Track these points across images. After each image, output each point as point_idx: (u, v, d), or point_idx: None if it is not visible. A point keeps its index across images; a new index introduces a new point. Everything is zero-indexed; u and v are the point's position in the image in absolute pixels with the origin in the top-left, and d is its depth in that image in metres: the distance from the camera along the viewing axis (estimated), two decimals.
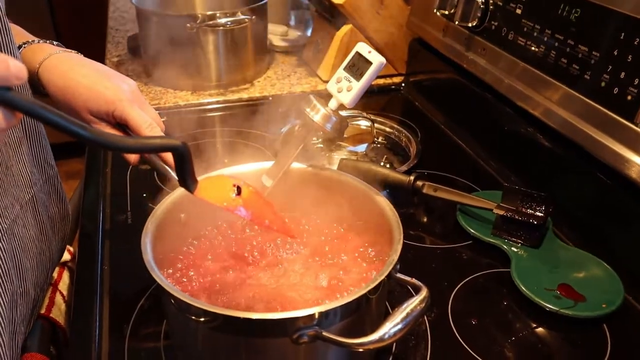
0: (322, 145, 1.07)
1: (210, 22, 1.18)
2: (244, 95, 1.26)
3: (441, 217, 0.89)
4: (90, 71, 0.72)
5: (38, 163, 0.74)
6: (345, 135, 1.12)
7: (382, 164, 1.02)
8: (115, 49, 1.48)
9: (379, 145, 1.10)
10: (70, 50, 0.77)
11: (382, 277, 0.54)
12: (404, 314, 0.51)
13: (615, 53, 0.75)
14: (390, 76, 1.35)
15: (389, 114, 1.20)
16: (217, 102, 1.23)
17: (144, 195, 0.93)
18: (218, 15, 1.18)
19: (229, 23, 1.19)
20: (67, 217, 0.82)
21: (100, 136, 0.43)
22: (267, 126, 1.12)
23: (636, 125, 0.70)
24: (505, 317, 0.71)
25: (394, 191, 0.89)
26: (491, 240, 0.82)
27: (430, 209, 0.91)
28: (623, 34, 0.74)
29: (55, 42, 0.78)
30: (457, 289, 0.75)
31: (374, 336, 0.50)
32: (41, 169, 0.75)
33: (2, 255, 0.63)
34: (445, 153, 1.09)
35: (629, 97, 0.72)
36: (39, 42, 0.77)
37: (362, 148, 1.09)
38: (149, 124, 0.69)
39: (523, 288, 0.73)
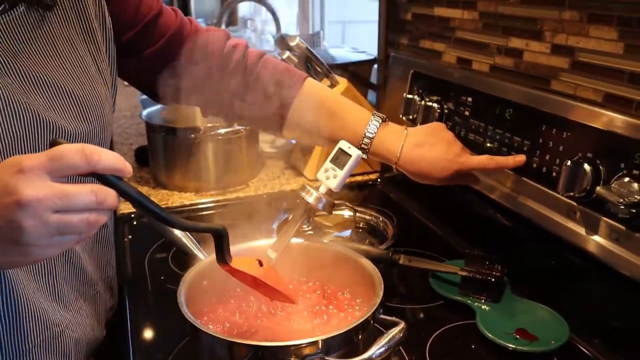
0: (312, 232, 1.24)
1: (211, 133, 1.38)
2: (241, 194, 1.45)
3: (416, 283, 1.05)
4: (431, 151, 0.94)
5: (102, 265, 0.91)
6: (331, 224, 1.30)
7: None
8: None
9: (360, 231, 1.27)
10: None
11: (369, 314, 0.69)
12: (387, 339, 0.67)
13: (540, 141, 0.95)
14: (367, 173, 1.55)
15: (368, 204, 1.38)
16: (218, 201, 1.41)
17: (162, 278, 1.08)
18: (217, 126, 1.39)
19: (226, 133, 1.40)
20: (113, 307, 0.97)
21: (177, 220, 0.62)
22: (262, 220, 1.29)
23: (560, 195, 0.89)
24: (473, 356, 0.86)
25: (375, 264, 1.05)
26: (459, 298, 0.98)
27: (407, 278, 1.07)
28: (544, 126, 0.95)
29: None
30: (432, 337, 0.90)
31: (365, 355, 0.65)
32: (104, 269, 0.91)
33: (68, 344, 0.78)
34: (417, 234, 1.26)
35: (554, 174, 0.92)
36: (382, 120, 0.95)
37: (346, 233, 1.26)
38: (487, 160, 0.96)
39: (487, 333, 0.88)
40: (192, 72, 0.94)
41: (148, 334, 0.95)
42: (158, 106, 1.58)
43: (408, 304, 1.00)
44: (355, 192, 1.48)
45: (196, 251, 0.87)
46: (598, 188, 0.82)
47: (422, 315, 0.96)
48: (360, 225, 1.28)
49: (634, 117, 0.83)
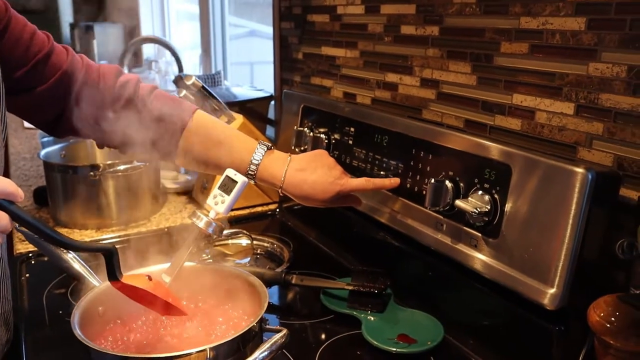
0: (212, 260, 1.29)
1: (111, 170, 1.41)
2: (143, 229, 1.47)
3: (310, 301, 1.12)
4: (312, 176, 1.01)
5: None
6: (231, 252, 1.36)
7: None
8: (21, 203, 1.65)
9: (259, 257, 1.34)
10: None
11: (253, 323, 0.75)
12: (269, 344, 0.74)
13: (412, 164, 1.06)
14: (267, 204, 1.62)
15: (268, 233, 1.44)
16: (119, 237, 1.43)
17: (60, 312, 1.09)
18: (117, 163, 1.42)
19: (126, 169, 1.43)
20: (9, 341, 0.98)
21: (69, 241, 0.68)
22: (165, 253, 1.33)
23: (427, 209, 1.00)
24: None
25: (270, 286, 1.12)
26: (347, 311, 1.05)
27: (301, 298, 1.14)
28: (414, 150, 1.06)
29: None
30: (322, 348, 0.96)
31: (250, 359, 0.71)
32: (0, 303, 0.92)
33: None
34: (312, 257, 1.34)
35: (424, 192, 1.03)
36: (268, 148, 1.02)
37: (246, 260, 1.32)
38: (365, 182, 1.04)
39: (371, 339, 0.96)
40: (84, 107, 0.99)
41: None
42: (56, 146, 1.59)
43: (300, 320, 1.06)
44: (256, 221, 1.55)
45: (91, 279, 0.90)
46: (457, 201, 0.93)
47: (313, 329, 1.03)
48: (258, 252, 1.35)
49: (483, 139, 0.95)
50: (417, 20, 1.18)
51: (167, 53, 2.89)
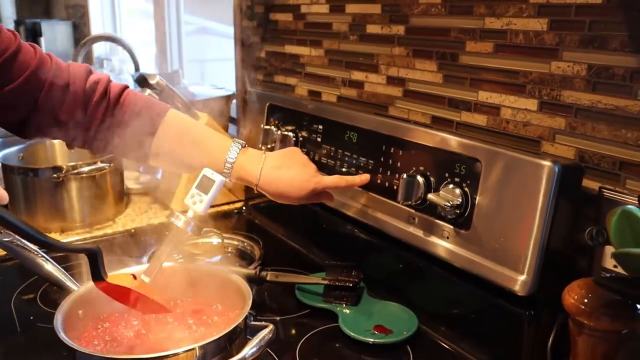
0: (183, 260, 1.28)
1: (74, 171, 1.39)
2: (108, 230, 1.46)
3: (284, 297, 1.14)
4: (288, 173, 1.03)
5: None
6: (200, 251, 1.36)
7: None
8: None
9: (229, 255, 1.34)
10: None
11: (240, 320, 0.77)
12: (257, 340, 0.75)
13: (382, 160, 1.09)
14: (233, 202, 1.62)
15: (236, 231, 1.45)
16: (85, 239, 1.41)
17: (31, 318, 1.07)
18: (80, 164, 1.40)
19: (90, 171, 1.41)
20: None
21: (52, 241, 0.67)
22: (132, 254, 1.32)
23: (399, 203, 1.03)
24: (338, 353, 0.96)
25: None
26: (323, 305, 1.08)
27: (276, 295, 1.16)
28: (384, 146, 1.09)
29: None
30: (301, 343, 0.98)
31: (239, 356, 0.72)
32: None
33: None
34: (283, 253, 1.36)
35: (395, 187, 1.06)
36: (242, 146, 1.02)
37: (216, 259, 1.32)
38: (338, 179, 1.07)
39: (348, 331, 0.99)
40: (55, 108, 0.97)
41: None
42: (14, 147, 1.55)
43: (278, 316, 1.08)
44: (223, 220, 1.55)
45: (69, 283, 0.89)
46: (429, 195, 0.96)
47: (290, 325, 1.05)
48: (229, 250, 1.35)
49: (454, 135, 0.99)
50: (383, 19, 1.21)
51: (120, 50, 2.83)
